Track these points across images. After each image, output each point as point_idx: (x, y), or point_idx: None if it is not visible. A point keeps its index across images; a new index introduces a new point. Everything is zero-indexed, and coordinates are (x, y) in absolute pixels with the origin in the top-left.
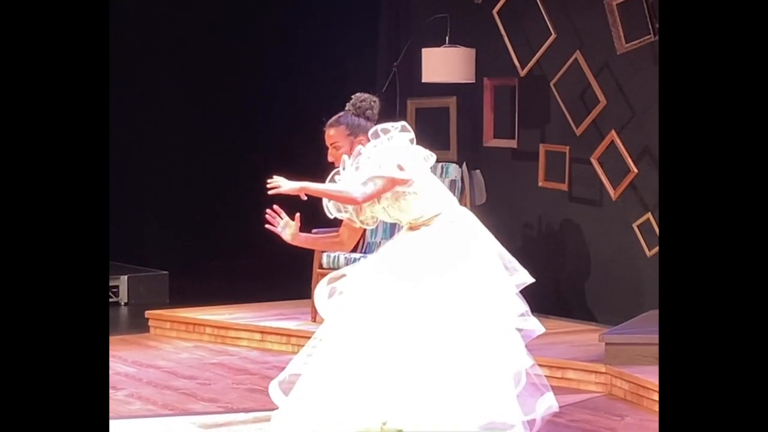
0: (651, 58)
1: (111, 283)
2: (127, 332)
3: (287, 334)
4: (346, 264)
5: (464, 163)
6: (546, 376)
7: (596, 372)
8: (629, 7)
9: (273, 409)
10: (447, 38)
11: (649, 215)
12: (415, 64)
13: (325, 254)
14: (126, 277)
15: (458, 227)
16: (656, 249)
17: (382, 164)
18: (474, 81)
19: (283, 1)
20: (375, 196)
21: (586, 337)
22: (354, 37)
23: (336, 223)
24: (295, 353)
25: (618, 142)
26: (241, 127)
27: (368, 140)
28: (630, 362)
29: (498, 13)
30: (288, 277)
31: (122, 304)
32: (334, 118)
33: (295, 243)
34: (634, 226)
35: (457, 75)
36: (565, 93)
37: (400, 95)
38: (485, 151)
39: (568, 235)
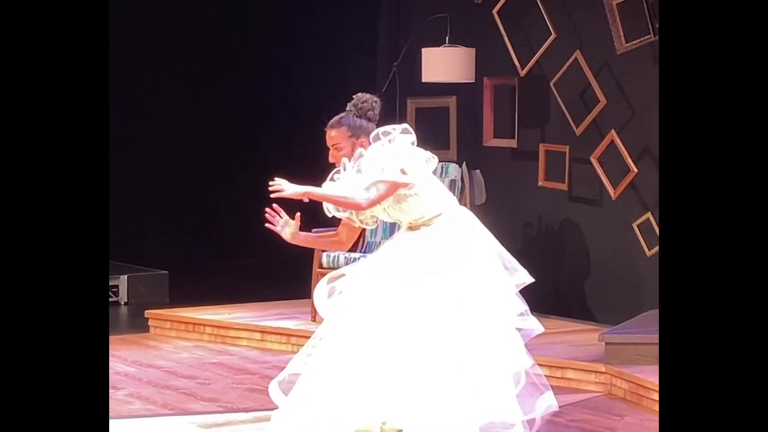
0: (651, 57)
1: (111, 283)
2: (127, 332)
3: (287, 334)
4: (346, 263)
5: (464, 163)
6: (546, 375)
7: (596, 372)
8: (629, 7)
9: (273, 409)
10: (447, 38)
11: (649, 215)
12: (415, 64)
13: (324, 254)
14: (126, 276)
15: (458, 227)
16: (656, 249)
17: (385, 168)
18: (474, 81)
19: (283, 1)
20: (379, 201)
21: (586, 336)
22: (354, 37)
23: (336, 222)
24: (295, 353)
25: (618, 141)
26: (242, 127)
27: (369, 142)
28: (630, 362)
29: (498, 12)
30: (288, 277)
31: (122, 303)
32: (335, 119)
33: (294, 242)
34: (634, 225)
35: (456, 75)
36: (565, 93)
37: (400, 95)
38: (485, 150)
39: (567, 235)
